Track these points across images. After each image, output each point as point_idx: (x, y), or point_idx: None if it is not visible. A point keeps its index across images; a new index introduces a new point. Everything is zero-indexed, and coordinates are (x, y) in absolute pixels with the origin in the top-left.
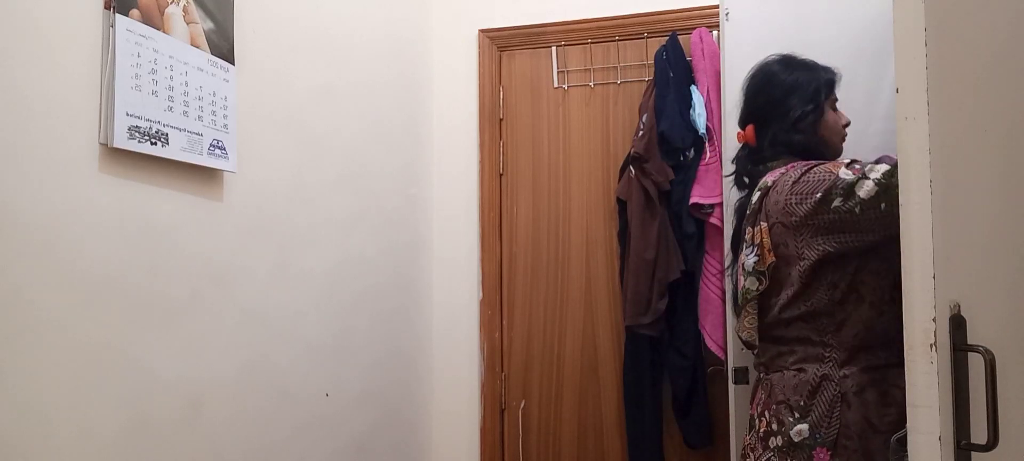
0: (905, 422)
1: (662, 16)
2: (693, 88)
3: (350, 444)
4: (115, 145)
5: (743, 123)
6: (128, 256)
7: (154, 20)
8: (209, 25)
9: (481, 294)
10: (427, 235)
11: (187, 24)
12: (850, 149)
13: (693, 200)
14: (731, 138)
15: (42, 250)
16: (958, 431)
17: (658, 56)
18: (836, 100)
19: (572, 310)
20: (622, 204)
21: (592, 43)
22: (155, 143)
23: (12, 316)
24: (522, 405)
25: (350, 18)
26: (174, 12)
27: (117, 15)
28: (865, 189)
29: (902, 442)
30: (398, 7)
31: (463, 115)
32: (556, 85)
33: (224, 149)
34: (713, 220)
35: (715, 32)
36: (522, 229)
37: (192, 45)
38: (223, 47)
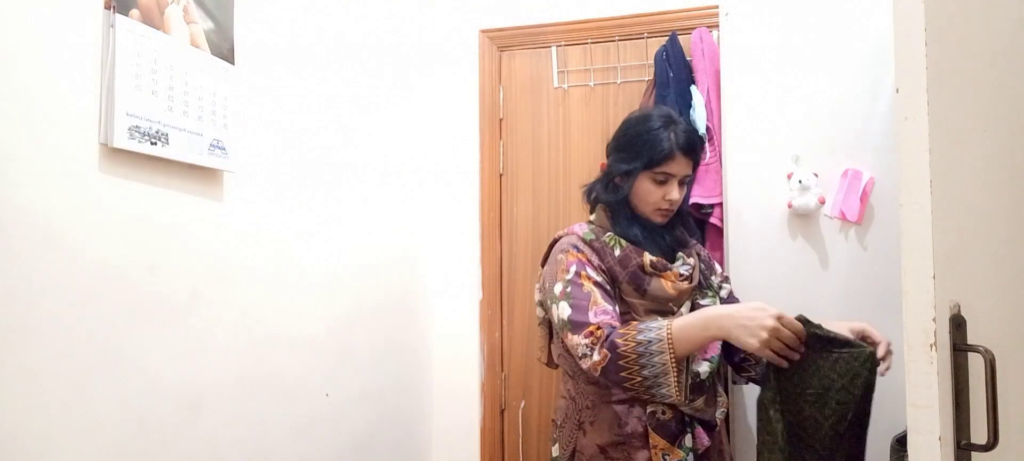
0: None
1: (662, 16)
2: (693, 88)
3: (350, 444)
4: (115, 145)
5: (606, 154)
6: (128, 256)
7: (154, 20)
8: (209, 25)
9: (481, 294)
10: (427, 235)
11: (187, 24)
12: (852, 149)
13: (693, 200)
14: (731, 138)
15: (42, 250)
16: (958, 431)
17: (658, 56)
18: (666, 176)
19: None
20: None
21: (592, 43)
22: (155, 143)
23: (12, 315)
24: (522, 405)
25: (350, 18)
26: (174, 12)
27: (117, 15)
28: (556, 315)
29: (902, 442)
30: (398, 7)
31: (463, 115)
32: (556, 85)
33: (224, 149)
34: (713, 220)
35: (715, 32)
36: (522, 229)
37: (192, 45)
38: (223, 47)
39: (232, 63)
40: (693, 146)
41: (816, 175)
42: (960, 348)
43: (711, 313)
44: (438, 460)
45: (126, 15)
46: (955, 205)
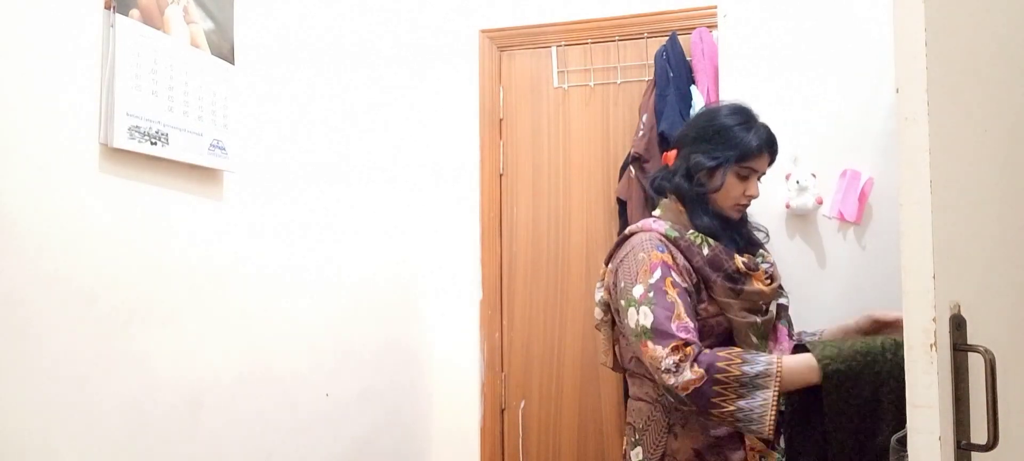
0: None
1: (662, 16)
2: (693, 88)
3: (350, 444)
4: (115, 145)
5: (672, 145)
6: (128, 256)
7: (154, 20)
8: (209, 25)
9: (481, 294)
10: (427, 235)
11: (187, 24)
12: (851, 149)
13: None
14: None
15: (42, 249)
16: (958, 431)
17: (658, 56)
18: (750, 171)
19: (572, 310)
20: (622, 204)
21: (592, 43)
22: (155, 143)
23: (12, 315)
24: (522, 405)
25: (350, 18)
26: (174, 12)
27: (117, 15)
28: (633, 319)
29: (902, 442)
30: (398, 7)
31: (463, 115)
32: (556, 85)
33: (224, 149)
34: None
35: (715, 32)
36: (522, 229)
37: (192, 45)
38: (223, 47)
39: (232, 63)
40: (775, 143)
41: (814, 175)
42: (960, 348)
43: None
44: (438, 460)
45: (126, 15)
46: (955, 205)
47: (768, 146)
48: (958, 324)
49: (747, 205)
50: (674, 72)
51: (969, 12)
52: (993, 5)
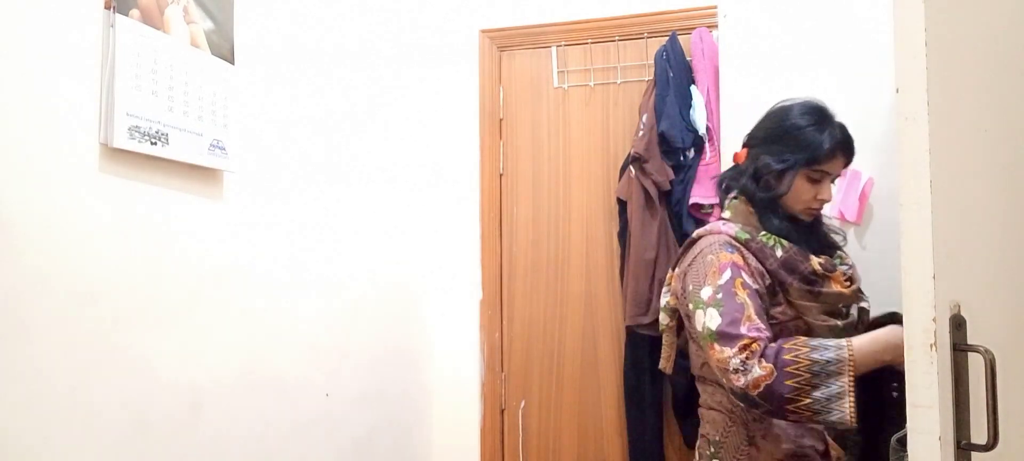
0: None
1: (662, 16)
2: (693, 88)
3: (350, 444)
4: (115, 145)
5: (743, 143)
6: (128, 256)
7: (154, 20)
8: (209, 25)
9: (481, 294)
10: (427, 235)
11: (187, 24)
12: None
13: (693, 200)
14: (730, 138)
15: (42, 250)
16: (958, 431)
17: (658, 56)
18: (822, 174)
19: (572, 310)
20: (622, 204)
21: (592, 43)
22: (155, 143)
23: (12, 315)
24: (522, 405)
25: (350, 18)
26: (174, 12)
27: (117, 15)
28: (700, 322)
29: (902, 442)
30: (398, 7)
31: (463, 115)
32: (556, 85)
33: (224, 149)
34: (712, 220)
35: (715, 32)
36: (522, 229)
37: (192, 45)
38: (223, 47)
39: (232, 63)
40: (850, 145)
41: None
42: (960, 348)
43: (892, 338)
44: (438, 460)
45: (126, 15)
46: (955, 205)
47: (842, 148)
48: (958, 324)
49: (819, 209)
50: (674, 72)
51: (969, 12)
52: (993, 5)
